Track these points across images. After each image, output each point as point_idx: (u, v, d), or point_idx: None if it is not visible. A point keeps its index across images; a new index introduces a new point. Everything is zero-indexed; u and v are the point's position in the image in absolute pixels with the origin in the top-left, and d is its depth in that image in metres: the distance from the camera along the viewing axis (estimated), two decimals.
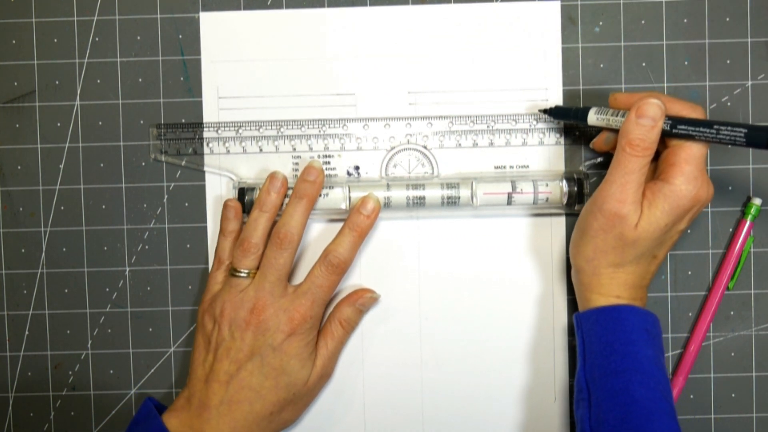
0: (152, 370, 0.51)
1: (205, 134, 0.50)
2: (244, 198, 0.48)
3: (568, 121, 0.48)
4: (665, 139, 0.43)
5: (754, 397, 0.51)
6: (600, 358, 0.43)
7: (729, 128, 0.40)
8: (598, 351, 0.44)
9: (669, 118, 0.42)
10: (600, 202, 0.43)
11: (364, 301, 0.49)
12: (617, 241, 0.43)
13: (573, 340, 0.51)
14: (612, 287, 0.44)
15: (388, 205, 0.48)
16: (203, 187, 0.51)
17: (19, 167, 0.51)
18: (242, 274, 0.46)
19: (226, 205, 0.48)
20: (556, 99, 0.50)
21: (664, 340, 0.51)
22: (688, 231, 0.50)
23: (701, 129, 0.41)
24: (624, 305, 0.44)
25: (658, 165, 0.45)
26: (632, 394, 0.42)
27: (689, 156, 0.42)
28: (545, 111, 0.49)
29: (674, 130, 0.42)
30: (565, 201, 0.48)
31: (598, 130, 0.47)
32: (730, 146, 0.41)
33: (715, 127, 0.40)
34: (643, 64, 0.50)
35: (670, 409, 0.42)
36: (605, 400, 0.42)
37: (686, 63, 0.50)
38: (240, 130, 0.50)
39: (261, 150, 0.50)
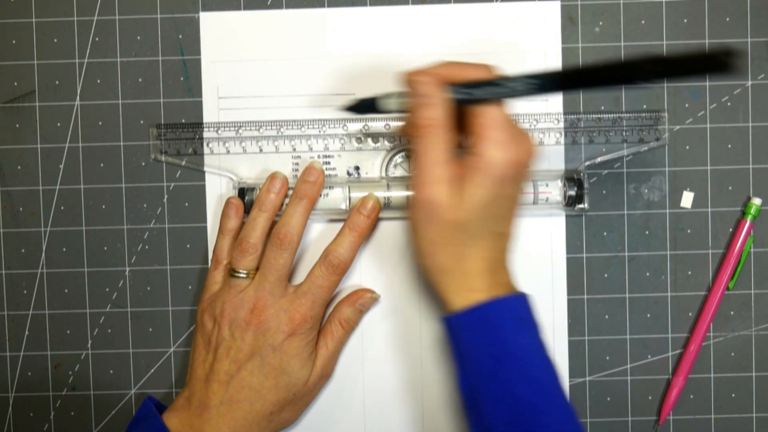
0: (152, 370, 0.51)
1: (205, 134, 0.50)
2: (245, 198, 0.48)
3: (371, 113, 0.45)
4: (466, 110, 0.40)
5: (754, 397, 0.51)
6: (477, 364, 0.40)
7: (521, 82, 0.37)
8: (473, 357, 0.40)
9: (462, 85, 0.39)
10: (413, 195, 0.41)
11: (364, 301, 0.49)
12: (444, 227, 0.40)
13: (573, 340, 0.51)
14: (464, 281, 0.41)
15: (388, 205, 0.48)
16: (203, 187, 0.51)
17: (19, 167, 0.51)
18: (241, 275, 0.46)
19: (228, 202, 0.48)
20: (556, 98, 0.50)
21: (663, 340, 0.51)
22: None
23: (494, 89, 0.38)
24: (488, 302, 0.40)
25: None
26: (515, 394, 0.39)
27: (488, 122, 0.38)
28: (348, 107, 0.45)
29: (472, 96, 0.39)
30: (565, 201, 0.48)
31: None
32: (529, 99, 0.37)
33: (509, 85, 0.37)
34: None
35: (558, 393, 0.40)
36: (490, 406, 0.39)
37: None
38: (240, 130, 0.50)
39: (261, 150, 0.50)
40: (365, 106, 0.45)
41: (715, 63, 0.30)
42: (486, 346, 0.40)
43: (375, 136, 0.50)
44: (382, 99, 0.43)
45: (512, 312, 0.41)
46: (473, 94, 0.39)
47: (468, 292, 0.41)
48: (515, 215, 0.41)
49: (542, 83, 0.36)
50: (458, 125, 0.41)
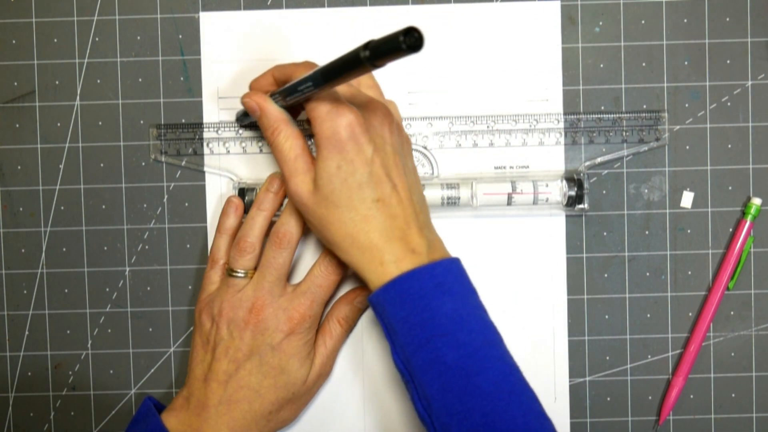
0: (152, 370, 0.51)
1: (205, 134, 0.50)
2: (244, 198, 0.48)
3: (249, 121, 0.49)
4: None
5: (754, 397, 0.51)
6: (403, 337, 0.40)
7: (304, 84, 0.40)
8: (399, 330, 0.40)
9: (279, 92, 0.43)
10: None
11: (362, 299, 0.49)
12: (317, 209, 0.42)
13: (573, 340, 0.51)
14: (371, 255, 0.41)
15: None
16: (203, 187, 0.51)
17: (19, 167, 0.51)
18: (239, 275, 0.46)
19: (228, 201, 0.48)
20: (556, 99, 0.50)
21: (663, 340, 0.51)
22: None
23: (296, 94, 0.41)
24: (402, 275, 0.40)
25: None
26: (444, 359, 0.39)
27: (311, 105, 0.41)
28: (238, 120, 0.50)
29: (288, 99, 0.42)
30: (565, 201, 0.48)
31: None
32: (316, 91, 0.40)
33: (300, 89, 0.40)
34: (643, 64, 0.50)
35: (492, 355, 0.40)
36: (423, 375, 0.40)
37: (686, 63, 0.50)
38: (240, 131, 0.50)
39: (261, 150, 0.50)
40: (241, 119, 0.49)
41: (402, 43, 0.32)
42: (410, 315, 0.40)
43: None
44: (239, 116, 0.49)
45: (430, 280, 0.40)
46: (287, 100, 0.42)
47: (379, 266, 0.41)
48: (388, 181, 0.41)
49: (314, 82, 0.39)
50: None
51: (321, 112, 0.41)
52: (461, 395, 0.39)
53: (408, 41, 0.32)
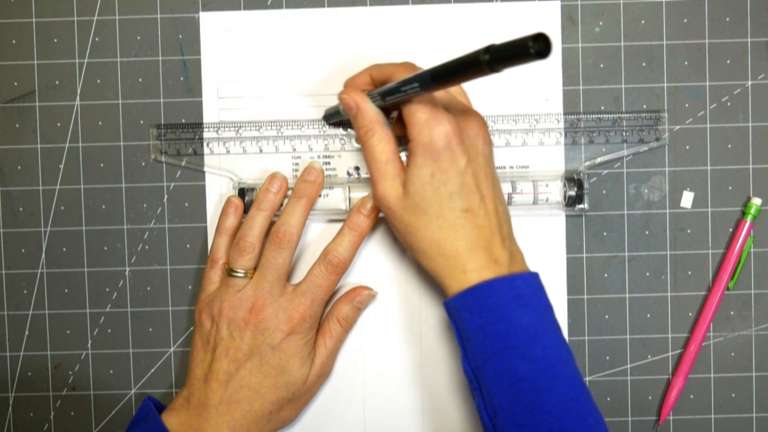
0: (152, 370, 0.51)
1: (205, 134, 0.50)
2: (244, 198, 0.48)
3: (339, 119, 0.49)
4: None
5: (754, 397, 0.51)
6: (476, 345, 0.41)
7: (408, 85, 0.40)
8: (473, 337, 0.41)
9: (378, 92, 0.42)
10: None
11: (362, 298, 0.49)
12: (405, 216, 0.42)
13: (573, 340, 0.51)
14: (455, 263, 0.41)
15: None
16: (203, 187, 0.51)
17: (19, 167, 0.51)
18: (239, 275, 0.46)
19: (228, 200, 0.48)
20: (556, 99, 0.50)
21: (663, 340, 0.51)
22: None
23: (397, 94, 0.41)
24: (483, 282, 0.41)
25: None
26: (516, 371, 0.39)
27: (410, 109, 0.41)
28: (325, 119, 0.50)
29: (386, 101, 0.42)
30: (565, 201, 0.48)
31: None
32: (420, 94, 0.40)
33: (403, 89, 0.40)
34: (643, 64, 0.50)
35: (564, 372, 0.40)
36: (493, 385, 0.40)
37: (686, 63, 0.50)
38: (240, 131, 0.50)
39: (261, 150, 0.50)
40: (332, 114, 0.49)
41: (531, 48, 0.32)
42: (486, 324, 0.40)
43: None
44: (329, 113, 0.49)
45: (508, 291, 0.41)
46: (386, 100, 0.42)
47: (461, 273, 0.41)
48: (479, 187, 0.42)
49: (421, 83, 0.39)
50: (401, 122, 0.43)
51: (420, 118, 0.41)
52: (530, 409, 0.39)
53: (537, 47, 0.31)
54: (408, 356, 0.51)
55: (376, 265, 0.51)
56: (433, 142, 0.40)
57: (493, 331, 0.40)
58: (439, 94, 0.43)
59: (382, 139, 0.43)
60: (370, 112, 0.43)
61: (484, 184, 0.42)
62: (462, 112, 0.43)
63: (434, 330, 0.51)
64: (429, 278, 0.50)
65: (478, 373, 0.41)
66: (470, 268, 0.41)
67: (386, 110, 0.44)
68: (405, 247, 0.45)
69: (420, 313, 0.51)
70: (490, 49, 0.34)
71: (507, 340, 0.40)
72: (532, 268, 0.50)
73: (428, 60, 0.50)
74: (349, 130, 0.50)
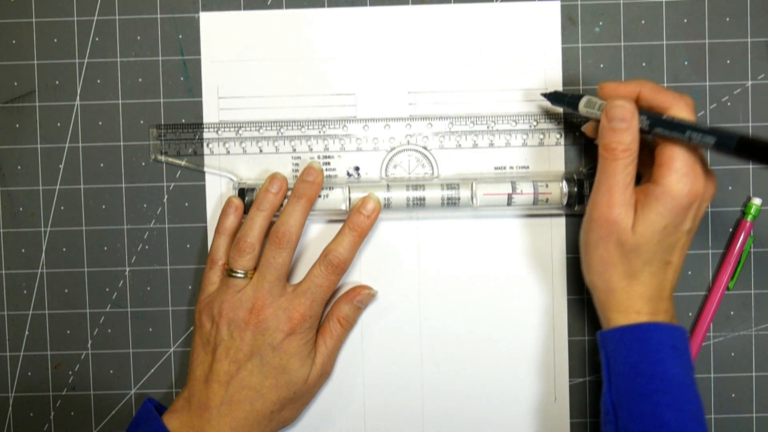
0: (152, 370, 0.51)
1: (205, 135, 0.50)
2: (244, 198, 0.48)
3: (564, 107, 0.48)
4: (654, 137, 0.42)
5: (754, 397, 0.51)
6: (626, 380, 0.42)
7: (700, 134, 0.39)
8: (624, 372, 0.42)
9: (648, 116, 0.41)
10: (591, 211, 0.43)
11: (362, 298, 0.49)
12: (618, 248, 0.42)
13: (573, 340, 0.51)
14: (630, 302, 0.43)
15: (388, 205, 0.48)
16: (203, 187, 0.51)
17: (19, 167, 0.51)
18: (239, 275, 0.46)
19: (228, 201, 0.48)
20: None
21: None
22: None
23: (675, 133, 0.40)
24: (648, 323, 0.42)
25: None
26: (661, 417, 0.41)
27: (675, 153, 0.40)
28: (545, 95, 0.48)
29: (654, 130, 0.41)
30: (565, 202, 0.48)
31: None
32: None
33: (687, 133, 0.39)
34: (643, 64, 0.50)
35: (698, 427, 0.41)
36: (633, 423, 0.41)
37: (686, 63, 0.50)
38: (240, 131, 0.50)
39: (261, 151, 0.50)
40: (559, 99, 0.47)
41: None
42: (639, 364, 0.42)
43: (375, 137, 0.50)
44: (578, 102, 0.45)
45: (670, 339, 0.42)
46: (652, 129, 0.40)
47: (631, 313, 0.43)
48: (685, 247, 0.43)
49: (720, 144, 0.38)
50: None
51: (679, 167, 0.40)
52: None
53: None
54: (408, 359, 0.51)
55: (376, 265, 0.51)
56: (682, 197, 0.40)
57: (646, 372, 0.41)
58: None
59: (630, 164, 0.41)
60: (636, 133, 0.41)
61: (686, 241, 0.43)
62: (707, 173, 0.42)
63: (434, 330, 0.51)
64: (430, 281, 0.50)
65: (619, 407, 0.42)
66: (640, 311, 0.43)
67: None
68: (583, 266, 0.45)
69: (420, 313, 0.51)
70: None
71: (658, 385, 0.41)
72: (532, 268, 0.51)
73: (428, 60, 0.50)
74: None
